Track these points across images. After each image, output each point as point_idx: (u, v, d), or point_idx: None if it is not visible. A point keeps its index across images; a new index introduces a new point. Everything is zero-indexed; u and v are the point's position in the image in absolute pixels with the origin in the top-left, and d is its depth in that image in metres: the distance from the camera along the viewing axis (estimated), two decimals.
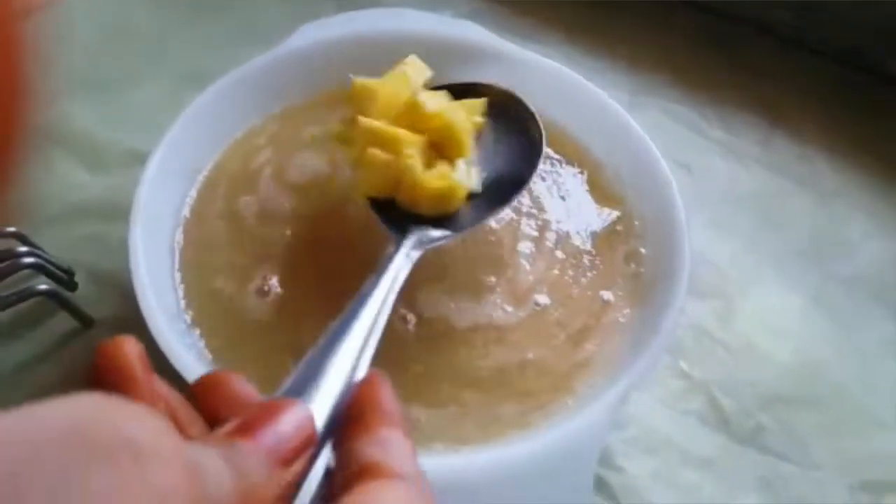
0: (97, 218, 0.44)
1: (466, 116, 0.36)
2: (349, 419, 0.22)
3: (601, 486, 0.36)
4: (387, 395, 0.23)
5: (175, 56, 0.51)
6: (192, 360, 0.32)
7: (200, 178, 0.40)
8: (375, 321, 0.26)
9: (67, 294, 0.40)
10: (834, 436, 0.39)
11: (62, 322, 0.40)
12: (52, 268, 0.40)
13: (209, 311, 0.35)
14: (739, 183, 0.48)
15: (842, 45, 0.53)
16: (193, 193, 0.39)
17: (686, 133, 0.51)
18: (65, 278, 0.41)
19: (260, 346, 0.35)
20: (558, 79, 0.42)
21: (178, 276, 0.36)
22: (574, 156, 0.42)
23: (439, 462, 0.30)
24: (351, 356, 0.24)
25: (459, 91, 0.38)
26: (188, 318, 0.35)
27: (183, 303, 0.35)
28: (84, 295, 0.41)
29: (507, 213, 0.40)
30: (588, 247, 0.39)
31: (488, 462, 0.30)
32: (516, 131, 0.37)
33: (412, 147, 0.34)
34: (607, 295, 0.37)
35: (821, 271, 0.44)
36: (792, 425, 0.39)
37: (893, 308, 0.43)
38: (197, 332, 0.35)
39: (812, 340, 0.42)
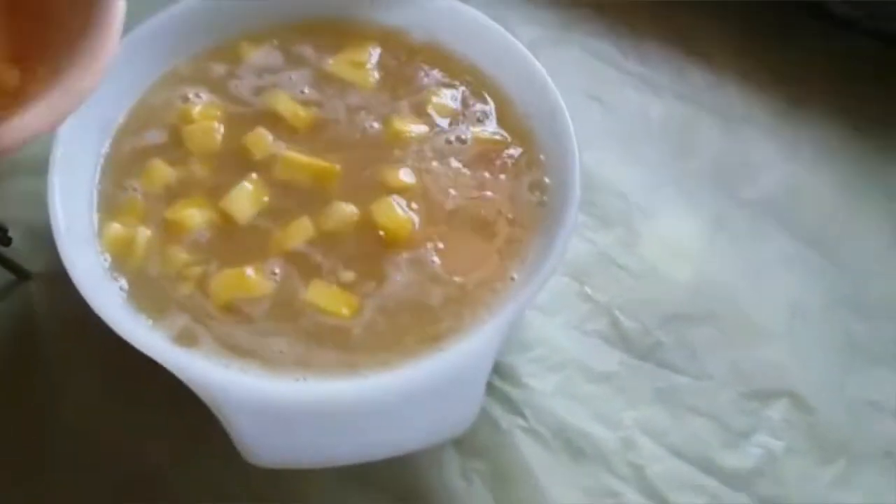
0: (30, 173, 0.45)
1: None
2: None
3: (506, 401, 0.39)
4: None
5: None
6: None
7: (118, 122, 0.41)
8: None
9: (1, 249, 0.42)
10: (726, 348, 0.41)
11: None
12: None
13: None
14: (650, 113, 0.50)
15: None
16: (110, 140, 0.41)
17: (602, 67, 0.52)
18: None
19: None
20: (462, 17, 0.44)
21: (97, 219, 0.39)
22: (487, 91, 0.44)
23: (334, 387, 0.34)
24: None
25: None
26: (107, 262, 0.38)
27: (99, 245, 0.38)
28: (21, 249, 0.43)
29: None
30: (493, 177, 0.41)
31: (381, 385, 0.33)
32: None
33: None
34: (511, 221, 0.39)
35: (723, 195, 0.47)
36: (687, 341, 0.41)
37: (791, 228, 0.45)
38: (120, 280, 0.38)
39: (710, 262, 0.44)
